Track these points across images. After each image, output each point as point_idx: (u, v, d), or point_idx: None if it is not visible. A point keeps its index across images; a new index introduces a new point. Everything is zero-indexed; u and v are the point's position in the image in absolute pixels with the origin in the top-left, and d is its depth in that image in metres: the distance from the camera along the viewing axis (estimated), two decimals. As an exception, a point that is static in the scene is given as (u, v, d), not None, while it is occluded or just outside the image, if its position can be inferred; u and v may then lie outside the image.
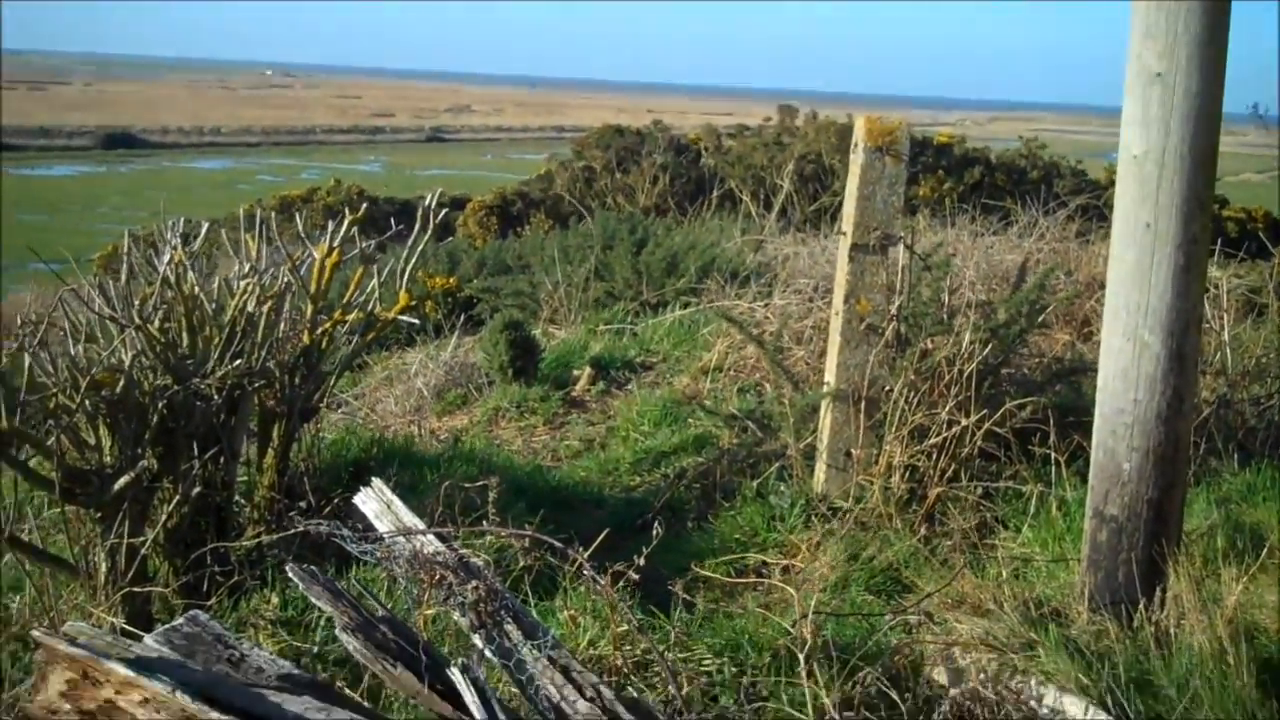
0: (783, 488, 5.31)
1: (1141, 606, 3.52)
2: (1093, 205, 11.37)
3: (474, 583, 3.02)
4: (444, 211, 5.53)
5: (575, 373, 8.13)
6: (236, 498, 5.14)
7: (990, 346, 5.08)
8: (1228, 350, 5.91)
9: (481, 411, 7.69)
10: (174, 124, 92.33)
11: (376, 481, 3.56)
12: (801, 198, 18.53)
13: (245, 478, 5.27)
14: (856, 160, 5.11)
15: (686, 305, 9.27)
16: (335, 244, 5.23)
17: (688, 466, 5.92)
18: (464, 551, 3.22)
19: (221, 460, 4.89)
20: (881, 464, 5.01)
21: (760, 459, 5.73)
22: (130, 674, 2.57)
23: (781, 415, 5.59)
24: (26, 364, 4.11)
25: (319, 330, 5.21)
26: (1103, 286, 8.30)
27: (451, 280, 11.94)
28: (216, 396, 4.75)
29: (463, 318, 10.73)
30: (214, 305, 4.92)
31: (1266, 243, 14.54)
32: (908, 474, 4.99)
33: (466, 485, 4.58)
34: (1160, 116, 3.33)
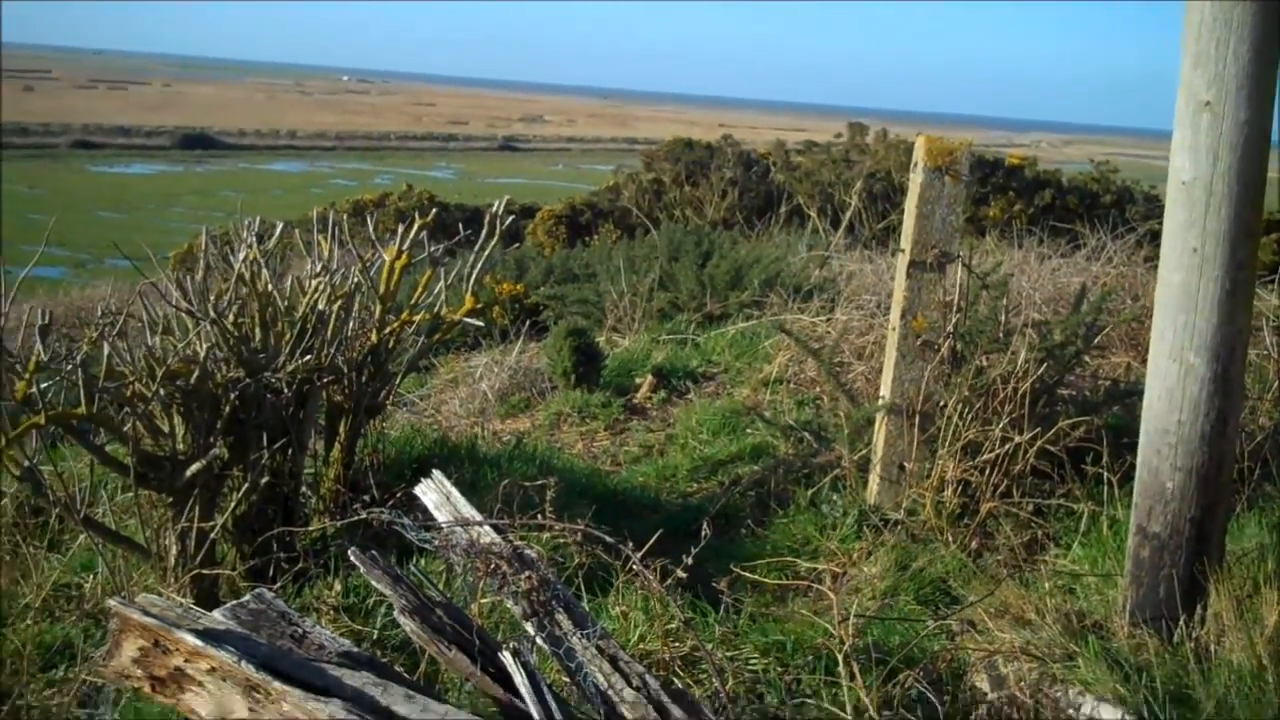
0: (836, 498, 5.39)
1: (1182, 623, 3.57)
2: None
3: (527, 573, 3.13)
4: (511, 219, 5.65)
5: (637, 380, 8.24)
6: (303, 489, 5.29)
7: (1045, 366, 5.13)
8: (1286, 376, 5.92)
9: (544, 415, 7.82)
10: (250, 126, 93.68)
11: (436, 473, 3.68)
12: (869, 215, 18.51)
13: (312, 470, 5.43)
14: (916, 179, 5.19)
15: (749, 318, 9.34)
16: (404, 247, 5.38)
17: (743, 475, 6.01)
18: (519, 544, 3.32)
19: (289, 452, 5.05)
20: (934, 478, 5.07)
21: (815, 470, 5.80)
22: (199, 643, 2.70)
23: (837, 427, 5.67)
24: (106, 353, 4.28)
25: (386, 330, 5.36)
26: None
27: (519, 287, 12.09)
28: (286, 390, 4.91)
29: (528, 324, 10.86)
30: (286, 302, 5.09)
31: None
32: (960, 489, 5.05)
33: (525, 484, 4.70)
34: (1209, 144, 3.39)
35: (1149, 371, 3.59)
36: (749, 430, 6.78)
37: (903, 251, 5.25)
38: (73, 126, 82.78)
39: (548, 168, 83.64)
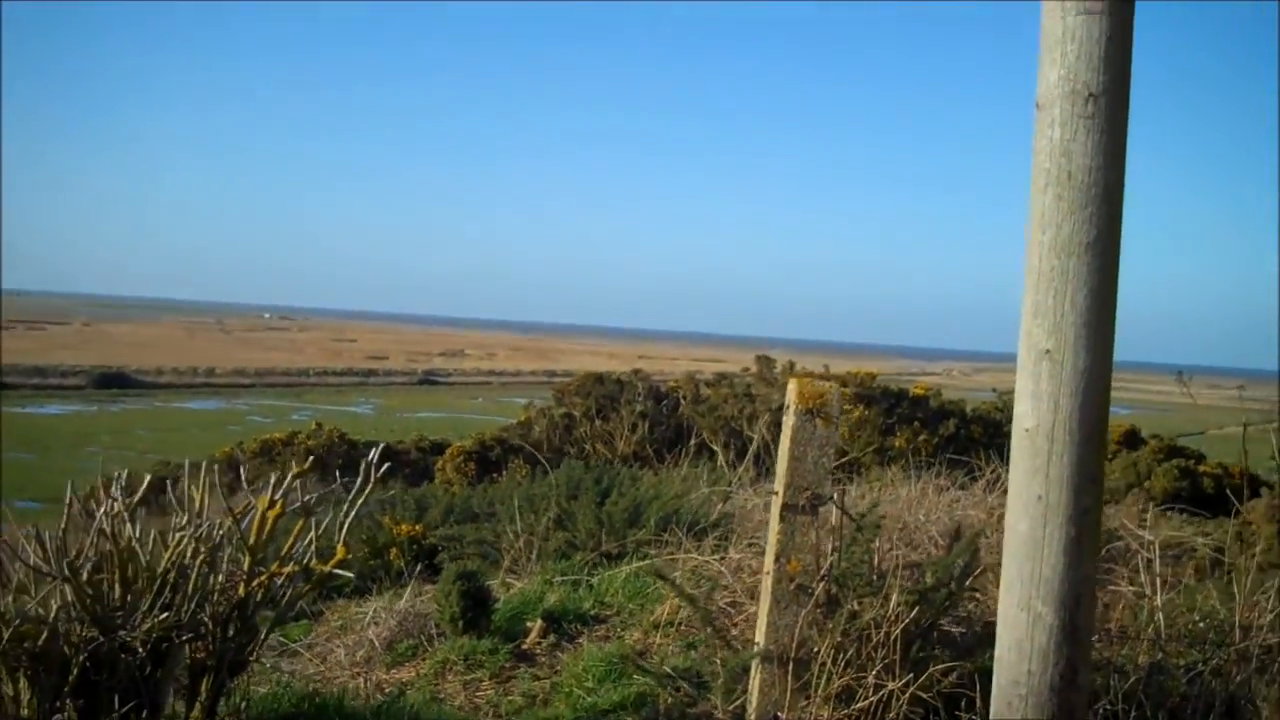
0: (712, 752, 5.24)
1: None
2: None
3: None
4: (385, 466, 5.58)
5: (528, 625, 8.07)
6: (164, 755, 5.05)
7: (917, 609, 5.09)
8: (1160, 616, 5.90)
9: (430, 664, 7.60)
10: (168, 364, 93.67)
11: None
12: (775, 448, 18.59)
13: (172, 733, 5.20)
14: (788, 421, 5.24)
15: (645, 557, 9.24)
16: (276, 496, 5.30)
17: (606, 727, 5.84)
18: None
19: (144, 715, 4.84)
20: (809, 728, 4.96)
21: (693, 720, 5.66)
22: None
23: (713, 675, 5.55)
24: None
25: (255, 582, 5.22)
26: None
27: (418, 527, 11.90)
28: (141, 649, 4.74)
29: (425, 566, 10.66)
30: (148, 558, 4.96)
31: (1233, 499, 14.60)
32: (835, 739, 4.93)
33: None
34: (1050, 392, 3.43)
35: (999, 621, 3.56)
36: (635, 677, 6.62)
37: (776, 494, 5.25)
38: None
39: (468, 401, 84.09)
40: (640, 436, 20.82)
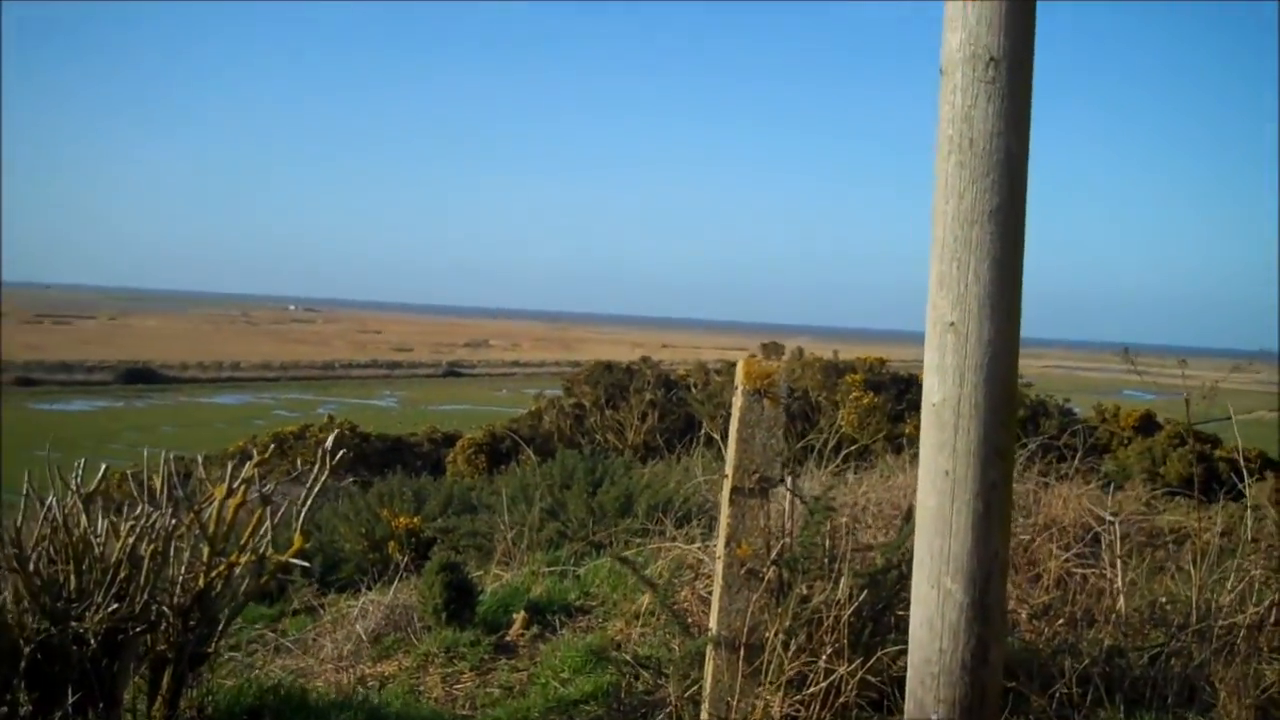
0: (665, 739, 5.22)
1: None
2: (1054, 445, 11.47)
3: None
4: (341, 452, 5.57)
5: (514, 616, 8.06)
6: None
7: (866, 593, 5.04)
8: (1121, 597, 5.83)
9: (413, 657, 7.59)
10: (194, 359, 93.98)
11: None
12: (788, 434, 18.51)
13: (137, 725, 5.21)
14: (736, 403, 5.18)
15: (633, 546, 9.21)
16: (234, 485, 5.31)
17: (574, 716, 5.82)
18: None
19: (101, 707, 4.85)
20: (759, 714, 4.92)
21: (652, 707, 5.64)
22: None
23: (670, 662, 5.52)
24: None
25: (214, 572, 5.22)
26: (1047, 529, 8.26)
27: (415, 520, 11.93)
28: (93, 641, 4.75)
29: (416, 558, 10.67)
30: (101, 548, 4.97)
31: (1237, 481, 14.45)
32: (787, 725, 4.89)
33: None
34: (955, 365, 3.38)
35: (912, 599, 3.50)
36: (610, 668, 6.60)
37: (726, 477, 5.21)
38: (14, 364, 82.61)
39: (492, 393, 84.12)
40: (650, 426, 20.78)
